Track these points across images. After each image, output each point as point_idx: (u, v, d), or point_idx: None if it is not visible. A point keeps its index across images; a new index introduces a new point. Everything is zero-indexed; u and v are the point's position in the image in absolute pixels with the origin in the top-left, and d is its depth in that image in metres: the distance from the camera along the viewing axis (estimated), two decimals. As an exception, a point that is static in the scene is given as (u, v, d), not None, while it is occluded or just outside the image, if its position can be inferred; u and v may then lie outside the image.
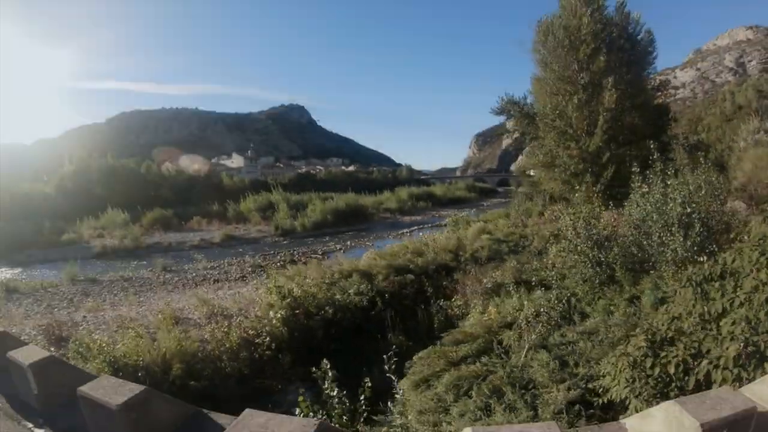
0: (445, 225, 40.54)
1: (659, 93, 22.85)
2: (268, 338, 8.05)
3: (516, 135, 28.49)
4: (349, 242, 28.96)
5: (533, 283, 8.63)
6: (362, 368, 6.95)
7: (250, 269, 20.00)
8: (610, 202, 16.33)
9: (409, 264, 12.49)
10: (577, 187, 16.92)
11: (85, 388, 3.60)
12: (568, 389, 4.53)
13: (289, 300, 9.16)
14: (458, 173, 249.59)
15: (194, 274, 18.87)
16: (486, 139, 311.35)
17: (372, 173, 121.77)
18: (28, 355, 4.50)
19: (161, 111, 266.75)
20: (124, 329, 9.16)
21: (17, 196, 45.80)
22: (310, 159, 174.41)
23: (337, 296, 10.32)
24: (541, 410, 4.40)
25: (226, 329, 8.44)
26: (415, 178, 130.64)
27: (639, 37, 19.55)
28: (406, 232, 34.60)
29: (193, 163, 65.40)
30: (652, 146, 8.54)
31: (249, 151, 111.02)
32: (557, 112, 18.86)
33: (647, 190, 7.45)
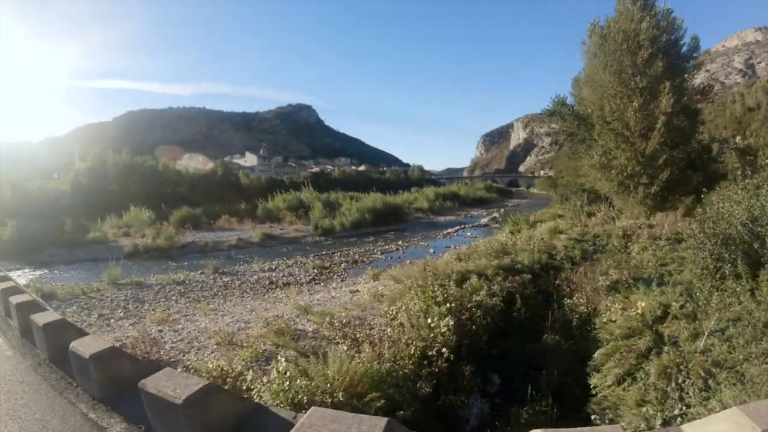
0: (484, 225, 39.36)
1: (700, 97, 22.70)
2: (444, 349, 6.81)
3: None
4: (400, 242, 27.01)
5: (649, 279, 8.99)
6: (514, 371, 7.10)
7: (314, 271, 18.13)
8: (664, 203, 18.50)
9: (515, 264, 11.79)
10: (632, 189, 18.87)
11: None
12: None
13: (449, 305, 8.00)
14: (465, 173, 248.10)
15: (255, 277, 16.83)
16: (493, 139, 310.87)
17: (384, 173, 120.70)
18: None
19: (168, 110, 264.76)
20: (232, 347, 7.48)
21: (31, 193, 43.87)
22: (319, 158, 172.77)
23: (477, 298, 9.08)
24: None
25: (405, 343, 6.98)
26: (425, 178, 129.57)
27: (681, 42, 19.72)
28: (452, 232, 32.84)
29: (194, 162, 63.28)
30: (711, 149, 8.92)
31: (261, 150, 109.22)
32: (615, 114, 19.04)
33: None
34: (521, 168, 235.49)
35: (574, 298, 9.40)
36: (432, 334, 7.07)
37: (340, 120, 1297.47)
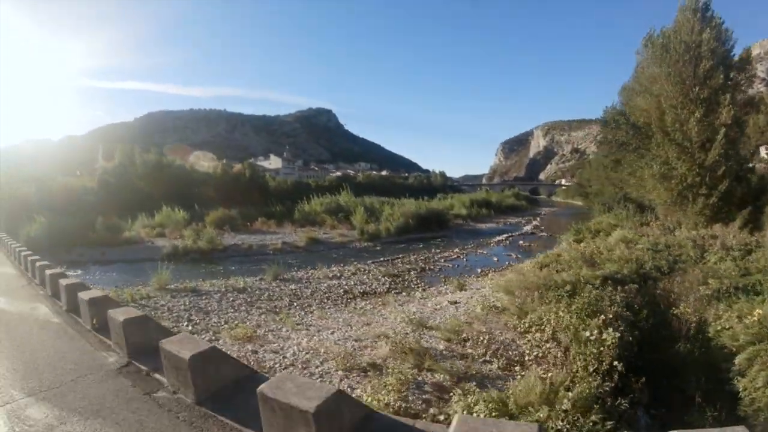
0: (530, 233, 37.31)
1: (749, 108, 24.41)
2: (616, 362, 6.42)
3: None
4: (457, 249, 25.27)
5: (745, 288, 9.11)
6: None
7: (385, 279, 16.53)
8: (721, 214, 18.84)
9: (615, 274, 11.22)
10: (691, 200, 19.27)
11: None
12: None
13: (603, 316, 7.58)
14: (484, 180, 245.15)
15: (325, 285, 15.05)
16: (512, 147, 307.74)
17: (407, 178, 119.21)
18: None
19: (189, 112, 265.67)
20: (361, 372, 6.66)
21: (56, 190, 42.68)
22: (339, 163, 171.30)
23: (615, 309, 8.38)
24: None
25: (574, 358, 6.66)
26: (447, 184, 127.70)
27: (732, 54, 19.93)
28: (502, 240, 30.88)
29: (202, 160, 61.73)
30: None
31: (285, 153, 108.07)
32: (677, 124, 19.18)
33: None
34: (541, 176, 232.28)
35: (681, 307, 9.07)
36: (600, 348, 6.70)
37: (358, 124, 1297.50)
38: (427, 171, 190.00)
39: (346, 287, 14.77)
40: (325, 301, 12.93)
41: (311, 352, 7.57)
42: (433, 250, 24.70)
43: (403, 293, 13.96)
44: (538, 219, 53.79)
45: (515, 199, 76.33)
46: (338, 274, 16.90)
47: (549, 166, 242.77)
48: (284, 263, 19.94)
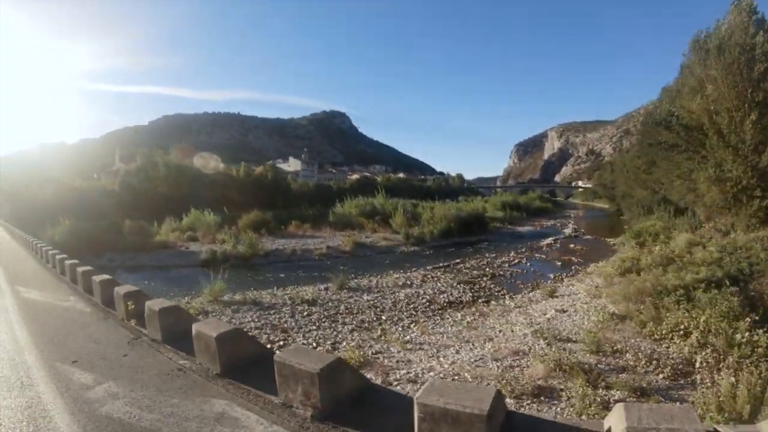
0: (574, 236, 35.37)
1: None
2: None
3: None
4: (512, 253, 23.75)
5: None
6: None
7: (461, 286, 15.03)
8: None
9: (711, 277, 10.67)
10: (746, 202, 19.01)
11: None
12: None
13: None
14: (498, 183, 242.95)
15: (402, 294, 13.56)
16: (526, 149, 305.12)
17: (425, 181, 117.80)
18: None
19: (203, 115, 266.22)
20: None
21: (76, 191, 41.44)
22: (354, 165, 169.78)
23: None
24: None
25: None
26: (465, 187, 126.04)
27: None
28: (551, 243, 29.13)
29: (206, 161, 60.28)
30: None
31: (303, 155, 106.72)
32: (732, 127, 19.05)
33: None
34: (557, 178, 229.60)
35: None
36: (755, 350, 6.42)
37: (371, 127, 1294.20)
38: (441, 173, 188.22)
39: (427, 297, 13.23)
40: (414, 313, 11.46)
41: (456, 377, 6.54)
42: (486, 255, 23.19)
43: (492, 302, 12.73)
44: (571, 221, 51.67)
45: (541, 202, 74.48)
46: (408, 282, 15.35)
47: (564, 168, 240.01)
48: (336, 270, 18.31)
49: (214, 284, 12.26)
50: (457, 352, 7.90)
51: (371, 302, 12.38)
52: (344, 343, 8.37)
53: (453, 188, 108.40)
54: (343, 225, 30.63)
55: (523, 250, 25.81)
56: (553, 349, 7.52)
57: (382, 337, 8.78)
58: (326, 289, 13.80)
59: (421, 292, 13.89)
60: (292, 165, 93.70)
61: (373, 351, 7.83)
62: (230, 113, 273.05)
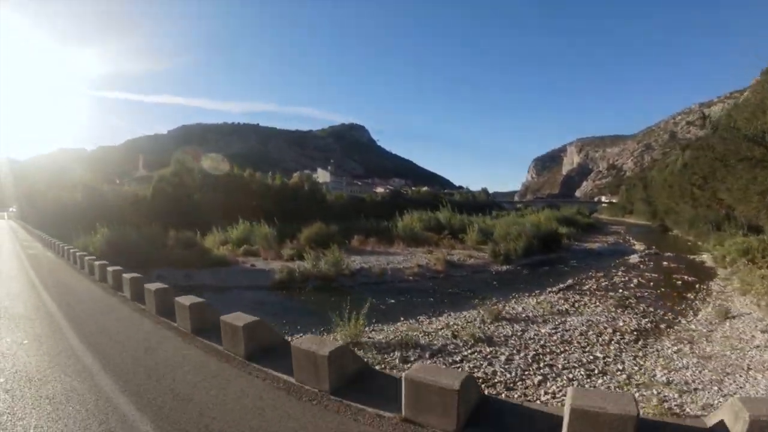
0: (654, 253, 31.99)
1: None
2: None
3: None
4: (619, 272, 21.17)
5: None
6: None
7: (618, 311, 13.03)
8: None
9: None
10: None
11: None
12: None
13: None
14: (516, 197, 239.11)
15: (573, 323, 11.33)
16: (544, 163, 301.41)
17: (452, 195, 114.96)
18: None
19: (222, 125, 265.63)
20: None
21: (105, 196, 38.87)
22: (374, 178, 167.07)
23: None
24: None
25: None
26: (491, 201, 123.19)
27: None
28: (640, 260, 26.65)
29: (215, 163, 57.68)
30: None
31: (329, 167, 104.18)
32: None
33: None
34: (577, 193, 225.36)
35: None
36: None
37: (389, 140, 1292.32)
38: (461, 187, 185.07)
39: (602, 325, 11.25)
40: (613, 346, 9.58)
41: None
42: (589, 273, 21.00)
43: (672, 327, 11.36)
44: (630, 237, 48.26)
45: (582, 217, 71.41)
46: (559, 309, 13.07)
47: (585, 183, 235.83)
48: (442, 293, 15.42)
49: (355, 322, 9.02)
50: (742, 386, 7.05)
51: (550, 335, 10.17)
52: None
53: (479, 202, 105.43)
54: (412, 240, 27.53)
55: (623, 268, 23.12)
56: None
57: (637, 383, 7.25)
58: (480, 320, 11.15)
59: (592, 320, 11.66)
60: (321, 176, 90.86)
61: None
62: (249, 123, 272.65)
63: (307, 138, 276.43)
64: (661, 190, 69.61)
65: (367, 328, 9.85)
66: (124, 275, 10.66)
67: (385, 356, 8.24)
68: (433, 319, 11.84)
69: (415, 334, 9.68)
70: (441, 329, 10.39)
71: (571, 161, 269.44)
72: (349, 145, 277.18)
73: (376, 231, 29.23)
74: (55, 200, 36.51)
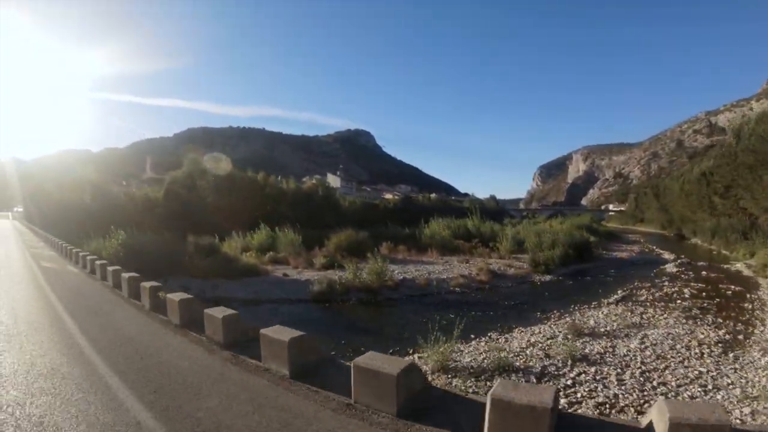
0: (688, 262, 30.82)
1: None
2: None
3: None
4: (664, 281, 20.63)
5: None
6: None
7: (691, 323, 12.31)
8: None
9: None
10: None
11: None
12: None
13: None
14: (522, 205, 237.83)
15: (657, 337, 10.68)
16: (550, 171, 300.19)
17: (462, 202, 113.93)
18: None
19: (228, 129, 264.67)
20: None
21: (114, 197, 37.66)
22: (381, 184, 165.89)
23: None
24: None
25: None
26: (501, 208, 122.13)
27: None
28: (679, 271, 25.26)
29: (218, 163, 56.50)
30: None
31: (338, 172, 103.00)
32: None
33: None
34: (583, 201, 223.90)
35: None
36: None
37: (394, 147, 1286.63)
38: (466, 194, 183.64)
39: (687, 338, 10.65)
40: (718, 359, 9.09)
41: None
42: (635, 284, 20.01)
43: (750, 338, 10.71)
44: (653, 246, 47.01)
45: (598, 226, 70.45)
46: (633, 322, 12.35)
47: (591, 191, 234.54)
48: (497, 305, 14.30)
49: (442, 346, 7.84)
50: None
51: (641, 350, 9.53)
52: None
53: (489, 210, 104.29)
54: (445, 248, 26.44)
55: (665, 278, 22.23)
56: None
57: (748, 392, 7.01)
58: (556, 336, 10.42)
59: (671, 333, 11.02)
60: (332, 181, 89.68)
61: None
62: (255, 128, 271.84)
63: (312, 143, 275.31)
64: (677, 199, 68.69)
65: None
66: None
67: (487, 383, 7.15)
68: (507, 336, 10.80)
69: (503, 355, 8.53)
70: (526, 348, 9.52)
71: (576, 169, 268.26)
72: (355, 151, 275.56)
73: (403, 238, 28.07)
74: (62, 201, 35.26)
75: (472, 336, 10.51)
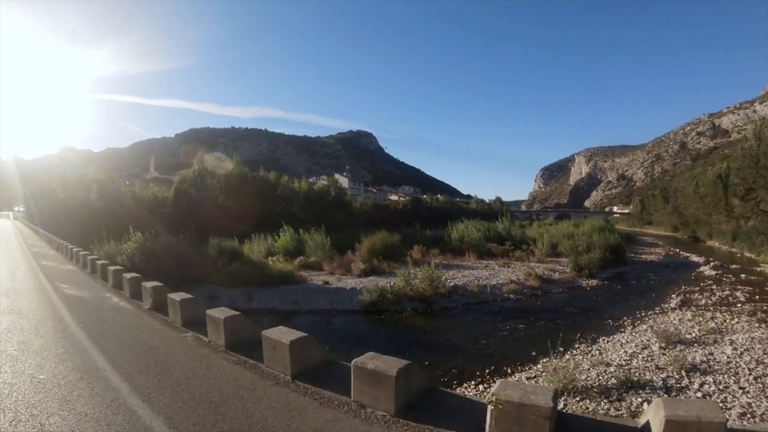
0: (720, 265, 29.89)
1: None
2: None
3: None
4: (712, 285, 20.05)
5: None
6: None
7: None
8: None
9: None
10: None
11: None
12: None
13: None
14: (524, 207, 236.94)
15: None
16: (552, 173, 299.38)
17: (469, 204, 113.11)
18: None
19: (230, 130, 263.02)
20: None
21: (121, 197, 36.38)
22: (384, 186, 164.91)
23: None
24: None
25: None
26: (507, 210, 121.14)
27: None
28: (718, 274, 24.22)
29: (218, 161, 55.38)
30: None
31: (345, 173, 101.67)
32: None
33: None
34: (587, 203, 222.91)
35: None
36: None
37: (397, 148, 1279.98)
38: (469, 196, 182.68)
39: None
40: None
41: None
42: (683, 288, 19.37)
43: None
44: (678, 249, 45.95)
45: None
46: (717, 328, 11.79)
47: (594, 193, 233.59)
48: (562, 312, 13.29)
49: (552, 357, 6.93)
50: None
51: (739, 356, 9.18)
52: None
53: (495, 211, 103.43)
54: (480, 252, 25.60)
55: (709, 281, 21.74)
56: None
57: None
58: (650, 345, 9.91)
59: (756, 337, 10.66)
60: (341, 182, 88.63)
61: None
62: (258, 129, 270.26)
63: (315, 144, 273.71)
64: (691, 201, 68.04)
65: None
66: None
67: (621, 402, 6.34)
68: (595, 347, 10.08)
69: (611, 369, 7.65)
70: (629, 359, 8.93)
71: (579, 171, 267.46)
72: (358, 152, 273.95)
73: (434, 241, 27.00)
74: (65, 200, 33.92)
75: (561, 348, 9.45)
